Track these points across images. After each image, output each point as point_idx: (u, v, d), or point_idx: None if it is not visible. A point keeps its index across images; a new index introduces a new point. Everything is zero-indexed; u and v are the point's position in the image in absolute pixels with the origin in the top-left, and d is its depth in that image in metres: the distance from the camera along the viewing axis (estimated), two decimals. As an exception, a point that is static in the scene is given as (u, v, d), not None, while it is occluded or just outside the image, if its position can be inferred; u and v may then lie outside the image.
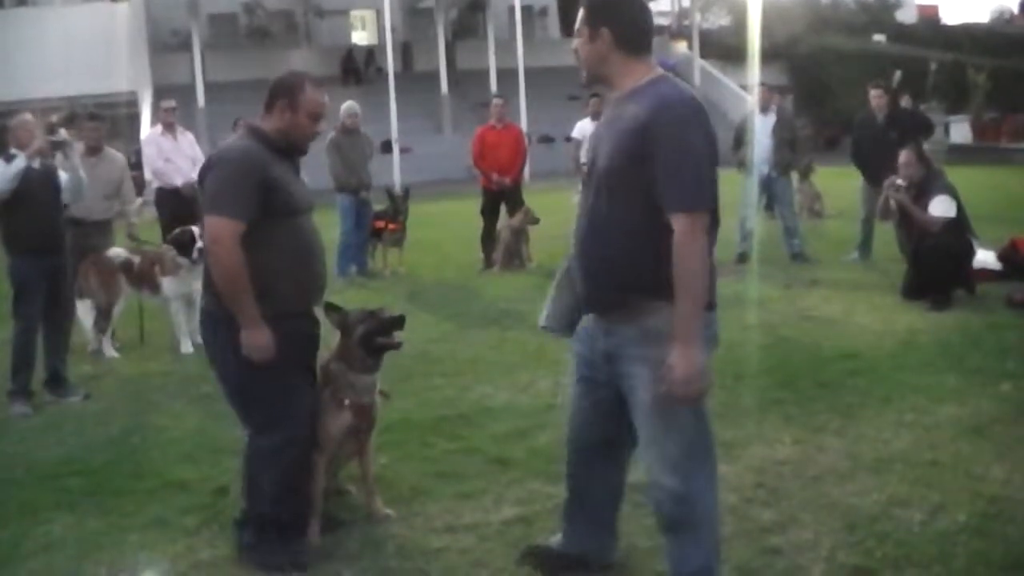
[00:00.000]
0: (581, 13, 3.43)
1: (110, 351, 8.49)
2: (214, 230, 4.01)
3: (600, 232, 3.41)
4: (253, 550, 4.25)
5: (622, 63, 3.36)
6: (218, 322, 4.17)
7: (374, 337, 4.44)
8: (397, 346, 4.51)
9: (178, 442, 5.94)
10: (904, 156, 8.94)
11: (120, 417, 6.59)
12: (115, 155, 9.12)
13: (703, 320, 3.26)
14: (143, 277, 8.51)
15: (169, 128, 10.79)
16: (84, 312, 8.48)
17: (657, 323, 3.28)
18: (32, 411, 6.76)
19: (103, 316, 8.47)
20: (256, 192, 4.02)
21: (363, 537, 4.48)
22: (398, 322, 4.48)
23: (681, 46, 37.12)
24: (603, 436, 3.78)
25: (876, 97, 11.13)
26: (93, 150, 8.84)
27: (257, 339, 4.01)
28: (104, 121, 9.42)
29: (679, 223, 3.17)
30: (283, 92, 4.17)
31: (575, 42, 3.45)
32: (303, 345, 4.30)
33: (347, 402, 4.41)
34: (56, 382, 7.08)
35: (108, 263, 8.51)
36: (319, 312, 4.44)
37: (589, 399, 3.74)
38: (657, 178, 3.19)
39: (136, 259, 8.57)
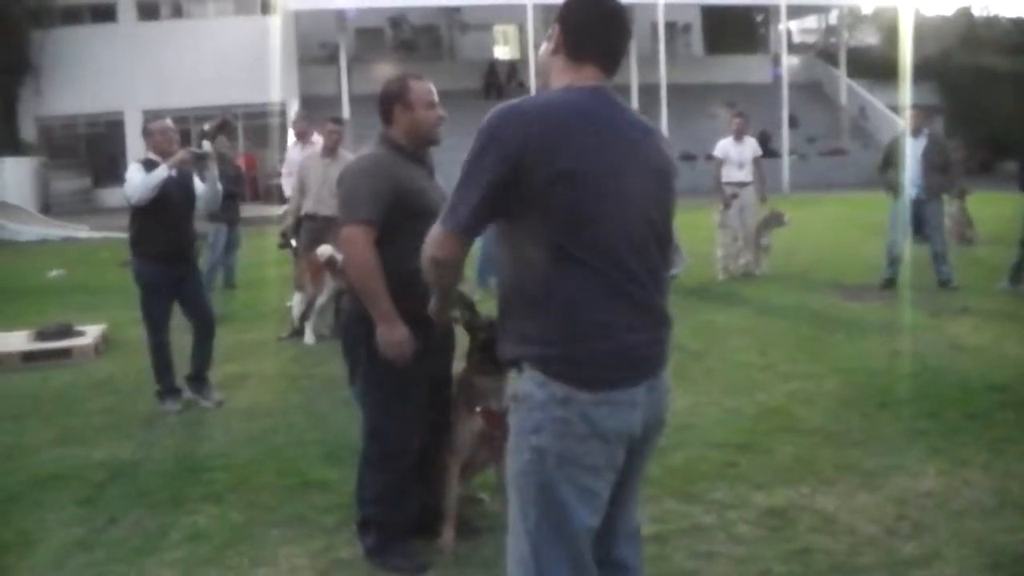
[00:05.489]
0: None
1: (309, 338, 9.15)
2: (348, 234, 4.13)
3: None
4: (374, 552, 4.35)
5: (558, 69, 2.89)
6: (357, 322, 4.29)
7: (490, 346, 4.47)
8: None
9: (320, 443, 6.09)
10: None
11: (264, 416, 6.79)
12: (348, 157, 9.40)
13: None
14: None
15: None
16: (297, 303, 9.41)
17: (519, 385, 2.77)
18: (181, 407, 6.99)
19: (308, 306, 9.22)
20: (387, 196, 4.13)
21: (498, 545, 4.45)
22: None
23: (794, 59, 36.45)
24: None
25: None
26: (330, 151, 9.35)
27: (392, 335, 4.09)
28: (344, 125, 9.66)
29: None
30: (394, 97, 4.30)
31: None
32: (434, 354, 4.34)
33: (478, 408, 4.46)
34: (198, 381, 7.20)
35: (315, 260, 8.97)
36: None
37: None
38: None
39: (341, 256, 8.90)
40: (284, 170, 11.87)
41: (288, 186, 11.43)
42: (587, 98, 2.77)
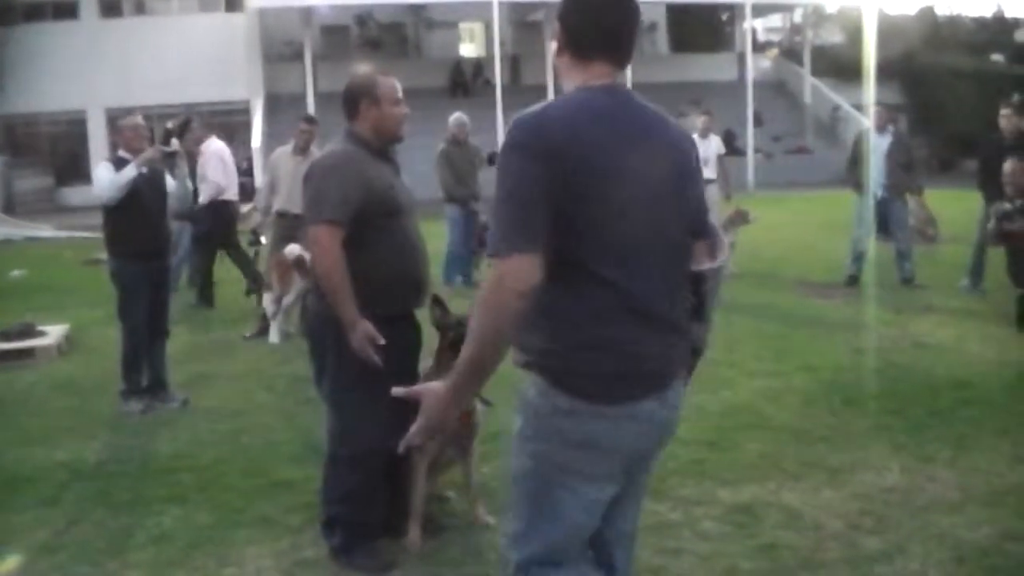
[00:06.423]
0: None
1: (275, 336, 9.08)
2: (314, 234, 4.11)
3: None
4: (340, 552, 4.35)
5: (566, 68, 2.78)
6: (324, 322, 4.27)
7: (460, 344, 4.46)
8: None
9: (286, 443, 6.07)
10: (1010, 165, 8.75)
11: (229, 416, 6.74)
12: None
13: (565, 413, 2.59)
14: None
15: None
16: (268, 302, 9.31)
17: (524, 388, 2.71)
18: (145, 408, 6.91)
19: (276, 305, 9.16)
20: (356, 195, 4.10)
21: (465, 543, 4.52)
22: None
23: (764, 61, 36.62)
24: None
25: (1005, 117, 10.83)
26: (302, 150, 9.30)
27: (360, 338, 4.06)
28: (317, 125, 9.61)
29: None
30: (362, 93, 4.27)
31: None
32: (402, 353, 4.33)
33: None
34: (158, 387, 7.12)
35: (283, 259, 8.92)
36: (421, 313, 4.49)
37: None
38: None
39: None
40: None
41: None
42: (602, 98, 2.65)
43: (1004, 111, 10.88)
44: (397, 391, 2.79)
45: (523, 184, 2.50)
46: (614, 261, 2.55)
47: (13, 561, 4.42)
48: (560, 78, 2.79)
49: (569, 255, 2.53)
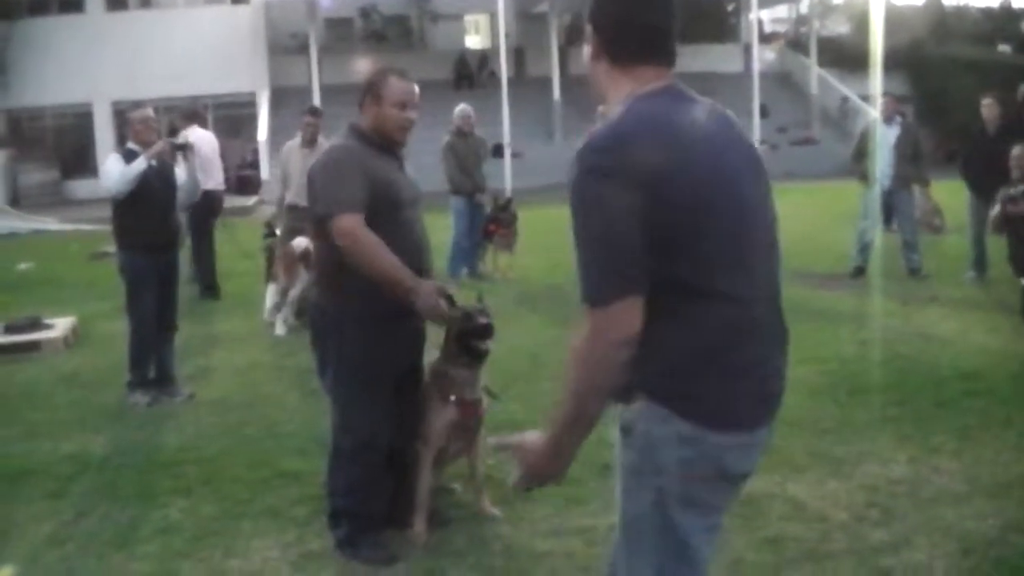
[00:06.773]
0: None
1: (280, 329, 9.06)
2: (340, 228, 4.05)
3: None
4: (345, 544, 4.35)
5: (605, 76, 2.51)
6: (325, 314, 4.28)
7: (466, 337, 4.48)
8: (482, 352, 4.52)
9: (291, 435, 6.07)
10: (1019, 150, 8.76)
11: (234, 408, 6.76)
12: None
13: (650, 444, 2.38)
14: None
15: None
16: (271, 294, 9.39)
17: (630, 416, 2.43)
18: (151, 400, 6.92)
19: (281, 297, 9.19)
20: (359, 185, 4.09)
21: (469, 535, 4.52)
22: (487, 331, 4.49)
23: (770, 52, 36.50)
24: None
25: (987, 107, 10.83)
26: (309, 142, 9.39)
27: (428, 296, 4.03)
28: (321, 116, 9.72)
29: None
30: (368, 88, 4.27)
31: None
32: (404, 347, 4.35)
33: (452, 398, 4.46)
34: (165, 381, 7.12)
35: (290, 252, 8.94)
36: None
37: None
38: None
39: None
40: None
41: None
42: (672, 104, 2.40)
43: (985, 101, 10.92)
44: (492, 441, 2.64)
45: (616, 217, 2.24)
46: (716, 274, 2.34)
47: (7, 571, 4.41)
48: (600, 86, 2.52)
49: (668, 274, 2.29)
